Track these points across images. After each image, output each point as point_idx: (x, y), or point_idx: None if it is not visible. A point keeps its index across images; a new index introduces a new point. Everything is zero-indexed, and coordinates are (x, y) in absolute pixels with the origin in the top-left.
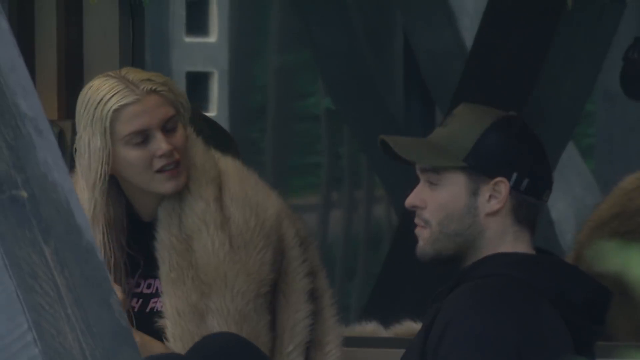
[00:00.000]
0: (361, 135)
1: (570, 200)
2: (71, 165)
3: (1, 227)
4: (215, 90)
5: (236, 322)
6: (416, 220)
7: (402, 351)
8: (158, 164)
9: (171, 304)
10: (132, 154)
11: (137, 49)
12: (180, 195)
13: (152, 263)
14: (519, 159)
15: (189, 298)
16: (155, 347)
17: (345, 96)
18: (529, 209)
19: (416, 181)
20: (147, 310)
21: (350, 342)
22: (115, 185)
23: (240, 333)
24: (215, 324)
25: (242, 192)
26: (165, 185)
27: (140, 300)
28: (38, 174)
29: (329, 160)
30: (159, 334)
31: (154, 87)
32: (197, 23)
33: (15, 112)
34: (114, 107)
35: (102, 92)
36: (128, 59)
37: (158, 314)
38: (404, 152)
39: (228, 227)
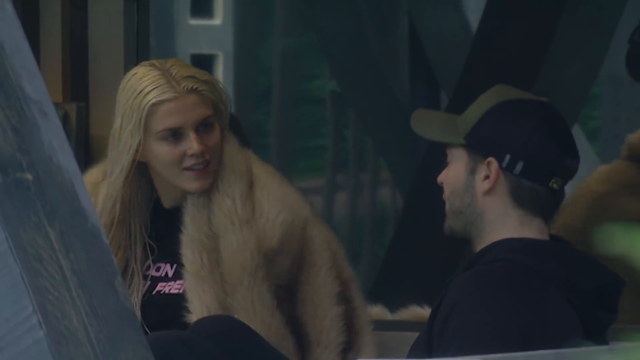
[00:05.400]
0: (366, 118)
1: (575, 182)
2: (76, 148)
3: (6, 210)
4: (220, 72)
5: (263, 320)
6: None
7: (406, 334)
8: (188, 162)
9: (201, 301)
10: (163, 149)
11: (142, 32)
12: (209, 193)
13: (165, 248)
14: (514, 141)
15: (218, 296)
16: None
17: (351, 79)
18: (530, 193)
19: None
20: (154, 293)
21: None
22: (145, 171)
23: (269, 331)
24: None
25: (279, 191)
26: (192, 184)
27: (149, 283)
28: (43, 157)
29: (334, 143)
30: (163, 318)
31: (194, 86)
32: (202, 5)
33: (20, 95)
34: (152, 102)
35: (143, 83)
36: (133, 42)
37: (165, 296)
38: (416, 125)
39: (255, 225)
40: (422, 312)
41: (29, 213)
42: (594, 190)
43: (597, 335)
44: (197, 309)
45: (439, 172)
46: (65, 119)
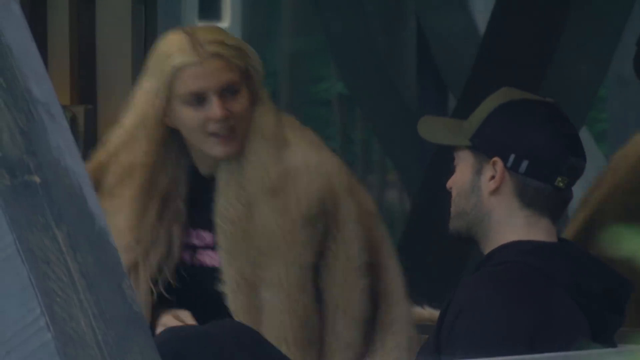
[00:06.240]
0: (374, 120)
1: (583, 184)
2: (84, 150)
3: (14, 212)
4: None
5: (289, 295)
6: None
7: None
8: (211, 127)
9: (229, 275)
10: (187, 113)
11: (150, 34)
12: (239, 161)
13: (205, 215)
14: (518, 140)
15: (244, 269)
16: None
17: (358, 81)
18: (536, 192)
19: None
20: (194, 263)
21: None
22: (178, 140)
23: (297, 305)
24: (269, 296)
25: (314, 158)
26: (216, 149)
27: (190, 252)
28: (50, 159)
29: (342, 145)
30: (206, 290)
31: (219, 51)
32: (209, 8)
33: (28, 97)
34: (176, 65)
35: (171, 47)
36: (141, 44)
37: (205, 270)
38: (422, 130)
39: (286, 195)
40: (423, 313)
41: (36, 215)
42: None
43: (606, 337)
44: (228, 281)
45: (448, 176)
46: (73, 122)
